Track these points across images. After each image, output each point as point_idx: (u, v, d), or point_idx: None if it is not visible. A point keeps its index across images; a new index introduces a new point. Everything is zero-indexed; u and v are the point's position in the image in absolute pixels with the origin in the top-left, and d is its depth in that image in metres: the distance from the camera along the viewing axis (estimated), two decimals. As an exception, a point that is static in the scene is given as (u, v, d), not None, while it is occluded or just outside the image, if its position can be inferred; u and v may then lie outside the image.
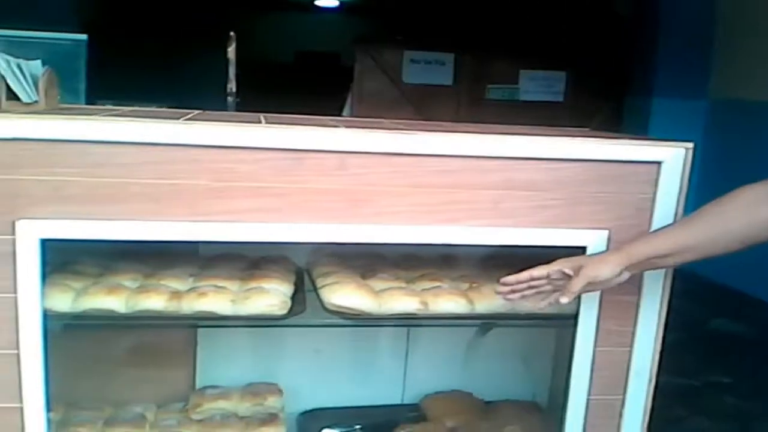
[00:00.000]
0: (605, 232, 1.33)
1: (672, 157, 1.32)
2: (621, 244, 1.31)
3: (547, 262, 1.47)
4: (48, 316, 1.20)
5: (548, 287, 1.26)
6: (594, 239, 1.33)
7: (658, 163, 1.32)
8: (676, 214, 1.34)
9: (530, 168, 1.28)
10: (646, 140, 1.35)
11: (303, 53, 8.15)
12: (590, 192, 1.31)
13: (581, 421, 1.42)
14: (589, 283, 1.21)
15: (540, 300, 1.27)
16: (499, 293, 1.30)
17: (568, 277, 1.22)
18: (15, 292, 1.16)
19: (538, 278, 1.25)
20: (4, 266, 1.16)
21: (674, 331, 1.36)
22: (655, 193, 1.33)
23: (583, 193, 1.31)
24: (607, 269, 1.20)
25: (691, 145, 1.33)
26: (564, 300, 1.21)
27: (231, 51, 4.12)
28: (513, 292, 1.28)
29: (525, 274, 1.25)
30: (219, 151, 1.18)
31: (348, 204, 1.24)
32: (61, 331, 1.50)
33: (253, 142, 1.18)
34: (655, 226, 1.34)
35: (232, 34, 4.12)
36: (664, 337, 1.42)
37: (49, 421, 1.24)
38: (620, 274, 1.22)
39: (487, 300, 1.46)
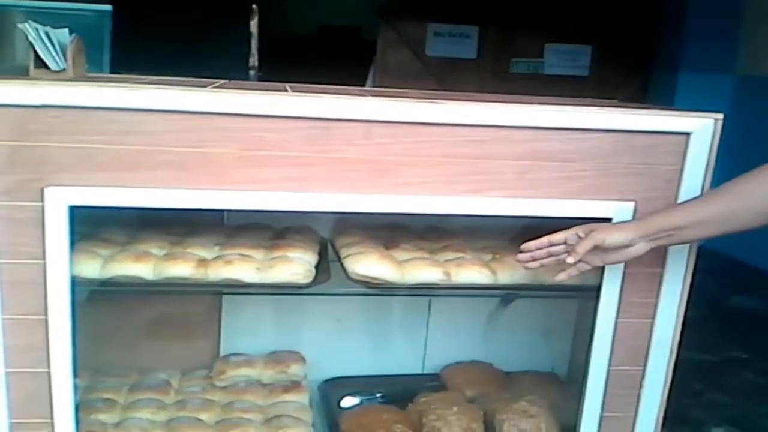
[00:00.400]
0: (631, 204, 1.32)
1: (701, 128, 1.30)
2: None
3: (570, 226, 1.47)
4: (76, 283, 1.22)
5: (563, 256, 1.26)
6: (620, 211, 1.32)
7: (687, 134, 1.30)
8: (703, 186, 1.33)
9: (557, 138, 1.27)
10: (675, 111, 1.33)
11: (326, 27, 8.07)
12: (618, 163, 1.30)
13: (601, 392, 1.43)
14: (597, 247, 1.21)
15: (558, 271, 1.27)
16: (519, 261, 1.30)
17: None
18: (44, 258, 1.18)
19: (557, 243, 1.26)
20: (33, 233, 1.17)
21: (694, 308, 1.36)
22: (683, 165, 1.31)
23: (611, 165, 1.30)
24: (617, 235, 1.21)
25: (720, 116, 1.31)
26: (569, 260, 1.22)
27: (253, 25, 4.08)
28: (533, 260, 1.28)
29: (544, 239, 1.27)
30: (247, 120, 1.18)
31: (373, 174, 1.24)
32: (88, 298, 1.53)
33: (281, 110, 1.18)
34: (681, 198, 1.32)
35: (254, 7, 4.09)
36: (684, 313, 1.42)
37: (75, 386, 1.26)
38: (634, 243, 1.21)
39: (510, 271, 1.46)
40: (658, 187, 1.32)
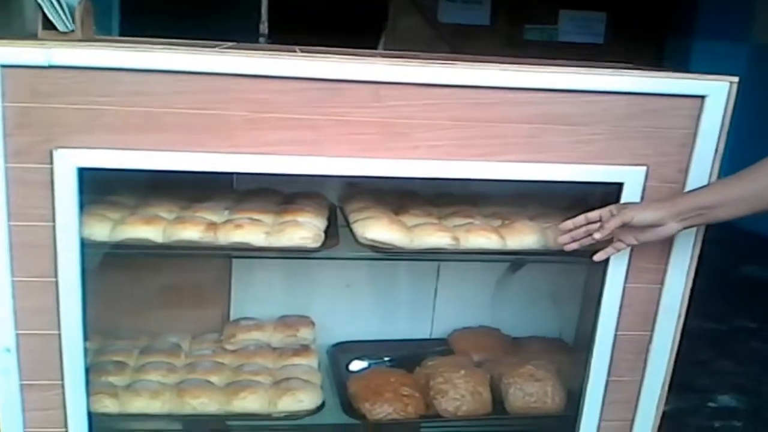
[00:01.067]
0: (643, 169, 1.31)
1: (716, 92, 1.28)
2: (659, 182, 1.30)
3: (583, 198, 1.46)
4: (86, 245, 1.23)
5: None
6: (631, 176, 1.31)
7: (702, 97, 1.28)
8: (716, 150, 1.31)
9: (569, 101, 1.25)
10: (690, 74, 1.31)
11: (337, -8, 7.93)
12: (630, 127, 1.28)
13: (608, 357, 1.43)
14: (627, 225, 1.22)
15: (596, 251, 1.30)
16: (560, 243, 1.34)
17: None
18: (53, 220, 1.18)
19: (592, 221, 1.28)
20: (43, 195, 1.17)
21: (703, 278, 1.36)
22: (696, 129, 1.29)
23: (623, 128, 1.28)
24: (646, 214, 1.21)
25: (735, 79, 1.28)
26: (597, 235, 1.25)
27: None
28: (573, 241, 1.31)
29: (581, 217, 1.29)
30: (255, 81, 1.16)
31: (383, 137, 1.22)
32: (98, 263, 1.54)
33: (289, 71, 1.16)
34: (695, 163, 1.31)
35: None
36: (693, 281, 1.41)
37: (86, 349, 1.28)
38: (664, 222, 1.21)
39: (519, 236, 1.46)
40: (671, 152, 1.31)
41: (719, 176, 1.34)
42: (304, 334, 1.69)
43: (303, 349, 1.65)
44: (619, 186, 1.32)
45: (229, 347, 1.65)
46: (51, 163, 1.16)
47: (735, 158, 1.75)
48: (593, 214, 1.28)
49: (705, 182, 1.33)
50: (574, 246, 1.32)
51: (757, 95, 4.16)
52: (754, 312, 3.45)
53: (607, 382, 1.45)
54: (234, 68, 1.15)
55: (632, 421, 1.49)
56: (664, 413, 1.51)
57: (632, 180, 1.31)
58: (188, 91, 1.16)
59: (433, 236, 1.42)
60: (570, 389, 1.57)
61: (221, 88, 1.16)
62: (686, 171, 1.32)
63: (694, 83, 1.28)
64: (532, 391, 1.55)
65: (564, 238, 1.32)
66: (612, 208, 1.27)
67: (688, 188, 1.33)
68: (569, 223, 1.31)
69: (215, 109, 1.17)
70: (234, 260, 1.71)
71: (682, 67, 4.80)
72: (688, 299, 1.43)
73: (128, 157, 1.17)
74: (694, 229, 1.36)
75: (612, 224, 1.23)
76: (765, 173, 1.15)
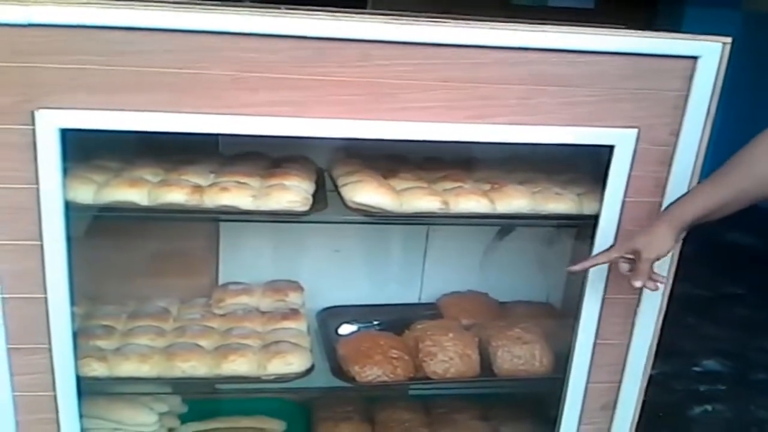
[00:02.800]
0: (634, 131, 1.30)
1: (709, 52, 1.26)
2: (650, 144, 1.28)
3: (574, 165, 1.46)
4: (71, 209, 1.21)
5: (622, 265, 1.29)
6: (623, 138, 1.30)
7: (695, 58, 1.26)
8: (708, 113, 1.30)
9: (561, 61, 1.23)
10: (683, 35, 1.29)
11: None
12: (623, 88, 1.27)
13: (595, 320, 1.44)
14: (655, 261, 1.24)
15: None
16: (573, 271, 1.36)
17: (630, 260, 1.26)
18: (36, 183, 1.16)
19: (601, 263, 1.31)
20: (25, 157, 1.15)
21: (690, 244, 1.36)
22: (689, 91, 1.28)
23: (616, 90, 1.27)
24: (665, 245, 1.22)
25: (728, 40, 1.27)
26: (637, 285, 1.24)
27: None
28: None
29: (588, 263, 1.32)
30: (240, 40, 1.13)
31: (371, 98, 1.20)
32: (85, 228, 1.52)
33: (275, 29, 1.13)
34: (687, 125, 1.30)
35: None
36: (681, 248, 1.42)
37: (73, 312, 1.27)
38: (676, 240, 1.24)
39: (508, 200, 1.45)
40: (663, 114, 1.30)
41: (710, 140, 1.33)
42: (293, 298, 1.69)
43: (292, 313, 1.65)
44: (610, 148, 1.31)
45: (217, 311, 1.65)
46: (33, 124, 1.13)
47: (726, 125, 1.75)
48: (602, 260, 1.30)
49: (696, 145, 1.33)
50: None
51: (749, 62, 4.15)
52: (740, 278, 3.49)
53: (595, 344, 1.46)
54: (218, 26, 1.12)
55: (620, 383, 1.51)
56: (650, 377, 1.53)
57: (623, 142, 1.30)
58: (172, 50, 1.13)
59: (423, 200, 1.41)
60: (558, 352, 1.58)
61: (205, 47, 1.13)
62: (678, 134, 1.32)
63: (687, 44, 1.26)
64: (520, 353, 1.56)
65: (577, 269, 1.34)
66: (620, 251, 1.26)
67: (679, 151, 1.32)
68: (578, 268, 1.34)
69: (198, 68, 1.14)
70: (222, 225, 1.70)
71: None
72: (675, 264, 1.43)
73: (111, 117, 1.15)
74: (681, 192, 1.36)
75: (646, 271, 1.23)
76: (747, 174, 1.15)
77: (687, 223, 1.21)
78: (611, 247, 1.31)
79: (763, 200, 1.17)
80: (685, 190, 1.35)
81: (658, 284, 1.27)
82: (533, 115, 1.26)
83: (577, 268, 1.34)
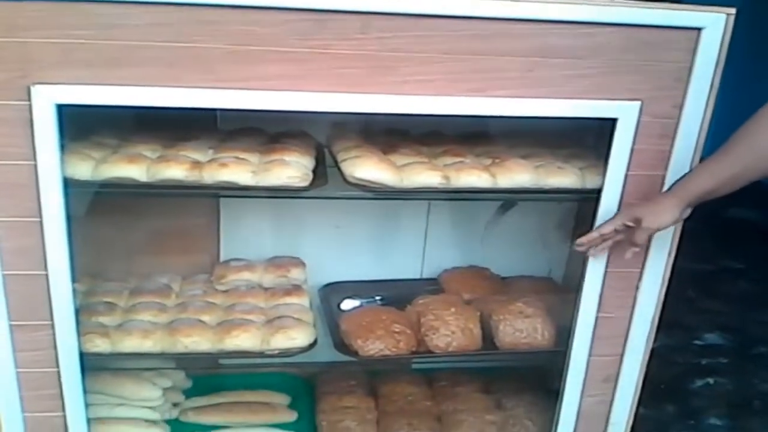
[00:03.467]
0: (637, 104, 1.28)
1: (713, 24, 1.24)
2: (653, 117, 1.27)
3: (577, 139, 1.44)
4: (69, 185, 1.20)
5: (618, 236, 1.32)
6: (625, 111, 1.28)
7: (698, 29, 1.24)
8: (712, 86, 1.29)
9: (564, 33, 1.21)
10: (687, 6, 1.27)
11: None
12: (626, 60, 1.25)
13: (597, 293, 1.44)
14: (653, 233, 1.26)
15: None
16: (578, 252, 1.36)
17: (631, 228, 1.27)
18: (34, 159, 1.16)
19: (606, 234, 1.31)
20: (22, 133, 1.14)
21: (691, 219, 1.36)
22: (692, 62, 1.26)
23: (619, 62, 1.25)
24: (667, 217, 1.23)
25: (732, 11, 1.25)
26: (634, 251, 1.29)
27: None
28: (593, 248, 1.35)
29: (594, 234, 1.32)
30: (236, 12, 1.12)
31: (370, 71, 1.19)
32: (85, 205, 1.52)
33: (273, 1, 1.11)
34: (690, 98, 1.29)
35: None
36: (683, 223, 1.41)
37: (74, 289, 1.27)
38: (679, 218, 1.24)
39: (510, 174, 1.44)
40: (667, 86, 1.28)
41: (713, 113, 1.32)
42: (295, 274, 1.69)
43: (294, 288, 1.65)
44: (613, 122, 1.30)
45: (219, 288, 1.65)
46: (29, 99, 1.13)
47: (729, 97, 1.73)
48: (606, 229, 1.31)
49: (699, 118, 1.31)
50: (595, 252, 1.37)
51: (752, 34, 4.10)
52: (742, 253, 3.49)
53: (597, 317, 1.46)
54: (214, -2, 1.11)
55: (622, 355, 1.51)
56: (652, 350, 1.53)
57: (626, 115, 1.29)
58: (167, 23, 1.11)
59: (423, 175, 1.40)
60: (560, 326, 1.58)
61: (202, 20, 1.12)
62: (681, 106, 1.30)
63: (690, 15, 1.24)
64: (521, 327, 1.57)
65: (582, 249, 1.35)
66: (623, 219, 1.28)
67: (682, 124, 1.31)
68: (584, 239, 1.34)
69: (195, 41, 1.13)
70: (222, 202, 1.70)
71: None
72: (679, 236, 1.43)
73: (107, 92, 1.14)
74: (685, 165, 1.35)
75: (642, 239, 1.25)
76: (751, 148, 1.14)
77: (692, 199, 1.21)
78: (615, 215, 1.32)
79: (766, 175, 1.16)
80: (688, 163, 1.34)
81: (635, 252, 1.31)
82: (535, 87, 1.25)
83: (583, 240, 1.34)
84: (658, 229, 1.25)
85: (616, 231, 1.31)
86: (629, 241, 1.29)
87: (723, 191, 1.20)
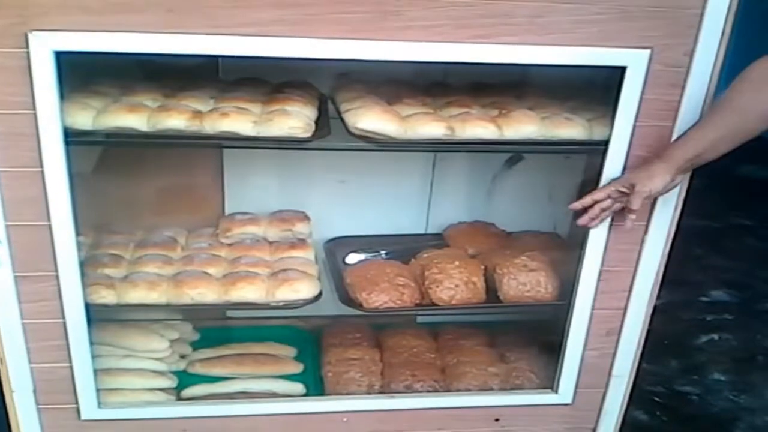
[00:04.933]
0: (646, 52, 1.25)
1: (726, -33, 1.20)
2: (663, 66, 1.25)
3: (584, 89, 1.41)
4: (70, 134, 1.19)
5: (616, 205, 1.33)
6: (635, 58, 1.25)
7: (712, -27, 1.21)
8: (723, 33, 1.25)
9: (573, -24, 1.18)
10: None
11: None
12: (636, 6, 1.21)
13: (602, 246, 1.43)
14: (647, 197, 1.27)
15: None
16: (580, 224, 1.37)
17: (625, 194, 1.28)
18: (34, 108, 1.15)
19: (601, 200, 1.32)
20: (21, 81, 1.13)
21: (700, 177, 1.35)
22: (704, 9, 1.23)
23: (629, 7, 1.21)
24: (658, 182, 1.24)
25: (748, -46, 1.21)
26: (632, 218, 1.28)
27: None
28: (592, 219, 1.35)
29: (588, 199, 1.33)
30: (235, -46, 1.09)
31: (373, 16, 1.16)
32: (90, 159, 1.51)
33: (272, -57, 1.09)
34: (701, 45, 1.25)
35: None
36: (690, 180, 1.39)
37: (78, 240, 1.27)
38: (672, 183, 1.26)
39: (517, 126, 1.42)
40: (677, 34, 1.25)
41: (724, 62, 1.28)
42: (300, 228, 1.68)
43: (299, 242, 1.65)
44: (621, 70, 1.27)
45: (225, 241, 1.65)
46: (27, 47, 1.11)
47: (742, 46, 1.69)
48: (600, 195, 1.31)
49: (710, 67, 1.28)
50: (595, 223, 1.36)
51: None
52: (751, 210, 3.46)
53: (601, 271, 1.46)
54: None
55: (624, 310, 1.51)
56: (656, 307, 1.53)
57: (636, 63, 1.26)
58: (165, -33, 1.09)
59: (428, 126, 1.38)
60: (563, 280, 1.58)
61: (201, -38, 1.09)
62: (692, 55, 1.27)
63: (704, -43, 1.20)
64: (525, 280, 1.56)
65: (584, 220, 1.35)
66: (617, 186, 1.29)
67: (692, 73, 1.28)
68: (577, 205, 1.34)
69: (195, -15, 1.10)
70: (225, 155, 1.68)
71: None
72: (685, 192, 1.41)
73: (105, 39, 1.11)
74: (693, 120, 1.32)
75: (637, 205, 1.25)
76: (736, 110, 1.16)
77: (681, 163, 1.23)
78: (608, 182, 1.33)
79: (755, 136, 1.17)
80: (698, 113, 1.31)
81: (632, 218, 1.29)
82: (543, 34, 1.22)
83: (577, 205, 1.35)
84: (651, 194, 1.26)
85: (611, 198, 1.31)
86: (626, 207, 1.29)
87: (711, 155, 1.21)
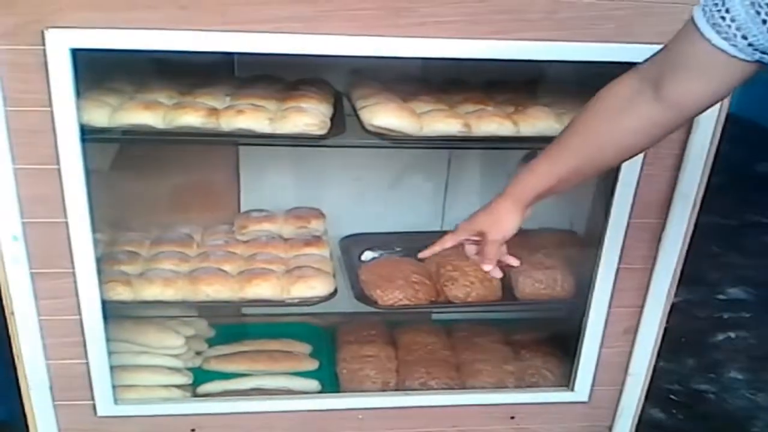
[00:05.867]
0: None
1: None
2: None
3: (602, 85, 1.40)
4: (86, 131, 1.20)
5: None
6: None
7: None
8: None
9: (592, -31, 1.16)
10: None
11: None
12: (654, 1, 1.20)
13: (619, 244, 1.42)
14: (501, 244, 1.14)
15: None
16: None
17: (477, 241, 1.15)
18: (50, 105, 1.15)
19: (451, 248, 1.19)
20: (37, 78, 1.13)
21: (717, 174, 1.32)
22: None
23: (647, 2, 1.20)
24: (508, 226, 1.11)
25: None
26: (488, 268, 1.15)
27: None
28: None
29: (437, 248, 1.20)
30: (250, -50, 1.09)
31: (387, 12, 1.15)
32: (107, 157, 1.52)
33: (286, -60, 1.08)
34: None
35: None
36: (710, 171, 1.37)
37: (95, 237, 1.28)
38: (524, 217, 1.12)
39: (533, 122, 1.41)
40: (696, 28, 1.23)
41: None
42: (315, 225, 1.68)
43: (315, 239, 1.65)
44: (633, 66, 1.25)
45: (240, 238, 1.65)
46: (43, 44, 1.11)
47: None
48: (449, 244, 1.18)
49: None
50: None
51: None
52: (767, 208, 3.42)
53: (618, 269, 1.45)
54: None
55: (642, 307, 1.50)
56: (673, 305, 1.52)
57: (654, 59, 1.24)
58: (180, -35, 1.09)
59: (443, 122, 1.37)
60: (580, 278, 1.57)
61: (213, -42, 1.09)
62: (711, 49, 1.25)
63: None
64: (541, 278, 1.56)
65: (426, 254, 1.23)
66: (465, 233, 1.16)
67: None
68: (427, 253, 1.22)
69: (208, -18, 1.10)
70: (241, 153, 1.69)
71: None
72: (704, 188, 1.39)
73: (121, 36, 1.11)
74: (714, 121, 1.30)
75: (493, 254, 1.13)
76: (587, 137, 1.01)
77: (531, 200, 1.10)
78: (457, 227, 1.19)
79: (613, 167, 1.06)
80: (715, 112, 1.29)
81: (512, 264, 1.19)
82: (559, 30, 1.20)
83: (426, 254, 1.22)
84: (505, 239, 1.13)
85: (468, 243, 1.18)
86: (480, 256, 1.15)
87: (564, 188, 1.07)
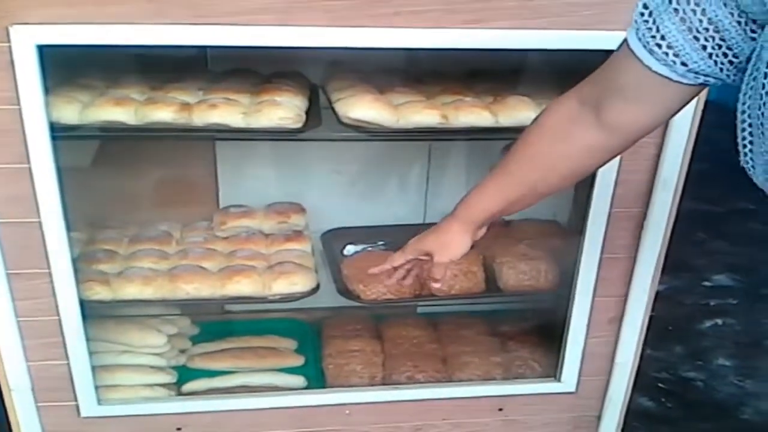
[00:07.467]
0: (643, 34, 1.22)
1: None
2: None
3: (581, 74, 1.39)
4: (56, 129, 1.18)
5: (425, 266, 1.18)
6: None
7: (709, -50, 1.17)
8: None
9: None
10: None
11: None
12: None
13: (601, 235, 1.41)
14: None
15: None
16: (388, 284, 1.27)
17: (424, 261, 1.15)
18: (18, 103, 1.13)
19: (400, 266, 1.19)
20: (4, 76, 1.11)
21: (702, 161, 1.30)
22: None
23: (623, -12, 1.19)
24: (458, 248, 1.11)
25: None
26: (437, 286, 1.16)
27: None
28: (399, 280, 1.24)
29: (386, 266, 1.20)
30: (217, -59, 1.07)
31: (360, 3, 1.13)
32: (82, 154, 1.50)
33: (255, -71, 1.06)
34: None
35: None
36: (691, 159, 1.37)
37: (70, 236, 1.26)
38: (474, 238, 1.12)
39: (512, 112, 1.39)
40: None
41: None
42: (296, 220, 1.67)
43: (295, 234, 1.63)
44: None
45: (220, 234, 1.64)
46: (8, 41, 1.09)
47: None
48: (398, 262, 1.19)
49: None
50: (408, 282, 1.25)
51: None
52: (754, 194, 3.40)
53: (601, 259, 1.44)
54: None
55: (626, 296, 1.49)
56: (659, 292, 1.51)
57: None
58: (147, -44, 1.07)
59: (421, 114, 1.35)
60: (564, 268, 1.56)
61: (182, -50, 1.07)
62: (689, 35, 1.24)
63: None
64: (525, 269, 1.55)
65: (391, 281, 1.24)
66: (412, 253, 1.16)
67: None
68: (375, 270, 1.23)
69: (177, -26, 1.08)
70: (218, 149, 1.67)
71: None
72: (685, 175, 1.38)
73: (89, 31, 1.09)
74: (694, 108, 1.29)
75: (440, 275, 1.13)
76: (532, 164, 0.98)
77: (480, 222, 1.09)
78: (406, 246, 1.19)
79: (561, 190, 1.01)
80: (693, 103, 1.28)
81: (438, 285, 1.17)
82: (535, 18, 1.19)
83: (375, 271, 1.23)
84: (453, 261, 1.12)
85: (414, 261, 1.18)
86: (430, 275, 1.15)
87: (520, 207, 1.05)
